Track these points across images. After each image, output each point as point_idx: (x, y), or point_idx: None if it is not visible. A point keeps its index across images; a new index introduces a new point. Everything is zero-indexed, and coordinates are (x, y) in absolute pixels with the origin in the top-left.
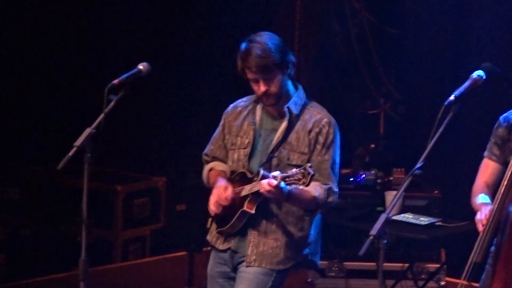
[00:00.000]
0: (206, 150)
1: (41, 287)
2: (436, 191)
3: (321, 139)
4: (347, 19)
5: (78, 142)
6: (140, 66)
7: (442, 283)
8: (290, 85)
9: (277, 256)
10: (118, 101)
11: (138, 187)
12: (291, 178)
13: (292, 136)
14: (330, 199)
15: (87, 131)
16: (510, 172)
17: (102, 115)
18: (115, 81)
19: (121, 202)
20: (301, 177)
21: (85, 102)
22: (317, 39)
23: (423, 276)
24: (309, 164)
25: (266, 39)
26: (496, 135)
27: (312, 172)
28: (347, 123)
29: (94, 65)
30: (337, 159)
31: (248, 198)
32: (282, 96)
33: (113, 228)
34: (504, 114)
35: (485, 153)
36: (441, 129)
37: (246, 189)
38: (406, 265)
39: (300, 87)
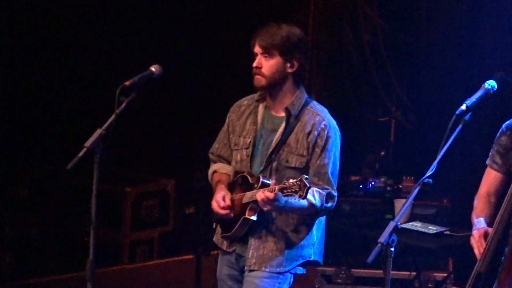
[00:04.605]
0: (211, 148)
1: (48, 287)
2: (445, 200)
3: (320, 142)
4: (360, 26)
5: (88, 143)
6: (152, 68)
7: None
8: (291, 82)
9: (277, 259)
10: (129, 103)
11: (147, 189)
12: (288, 190)
13: (291, 138)
14: (329, 204)
15: (98, 132)
16: None
17: (113, 116)
18: (127, 83)
19: (130, 204)
20: (298, 189)
21: (96, 103)
22: (329, 45)
23: (430, 285)
24: (305, 176)
25: (288, 27)
26: (498, 144)
27: (308, 185)
28: (358, 130)
29: (105, 66)
30: (337, 162)
31: (249, 206)
32: (272, 85)
33: (121, 229)
34: (507, 122)
35: (488, 161)
36: (451, 138)
37: (247, 197)
38: (414, 273)
39: (301, 86)
